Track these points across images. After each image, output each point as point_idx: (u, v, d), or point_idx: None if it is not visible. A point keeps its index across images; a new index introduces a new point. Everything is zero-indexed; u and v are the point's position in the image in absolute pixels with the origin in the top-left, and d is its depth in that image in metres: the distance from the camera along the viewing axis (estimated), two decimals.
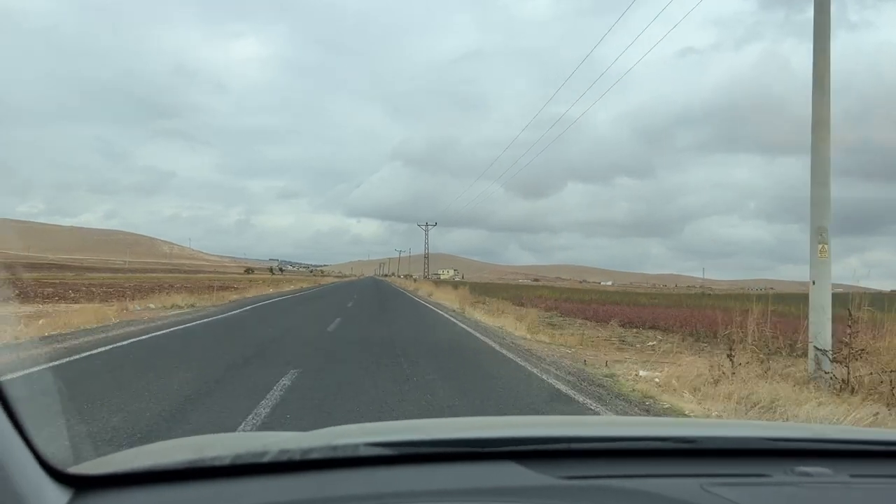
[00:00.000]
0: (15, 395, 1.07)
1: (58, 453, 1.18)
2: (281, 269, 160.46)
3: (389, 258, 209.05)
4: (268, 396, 6.78)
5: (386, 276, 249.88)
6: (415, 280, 77.18)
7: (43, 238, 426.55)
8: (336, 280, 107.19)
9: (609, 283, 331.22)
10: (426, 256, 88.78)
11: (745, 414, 6.78)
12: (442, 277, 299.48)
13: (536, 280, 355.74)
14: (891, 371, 7.29)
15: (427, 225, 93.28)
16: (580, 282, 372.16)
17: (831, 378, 7.85)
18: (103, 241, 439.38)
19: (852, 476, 1.40)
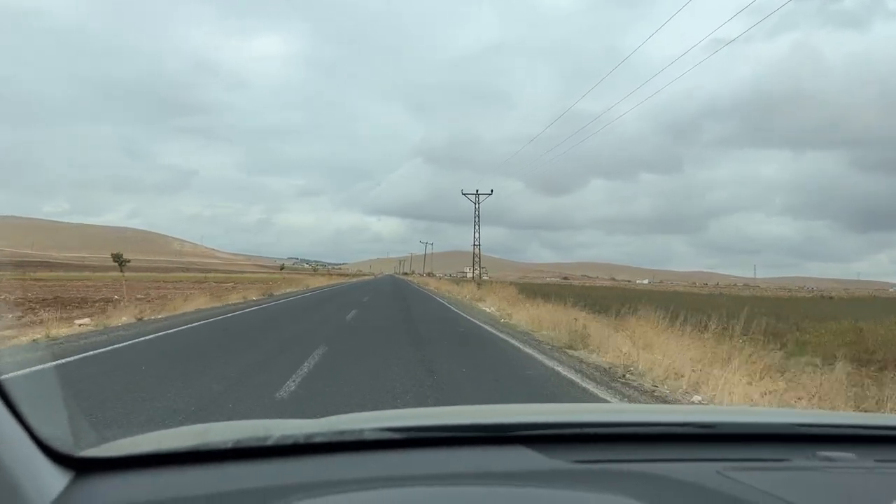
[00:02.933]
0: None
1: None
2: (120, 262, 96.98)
3: (412, 254, 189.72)
4: None
5: (406, 274, 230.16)
6: (478, 285, 46.16)
7: (52, 236, 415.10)
8: (336, 283, 66.92)
9: (645, 281, 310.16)
10: (476, 243, 57.28)
11: None
12: (468, 276, 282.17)
13: (566, 278, 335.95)
14: None
15: (477, 194, 57.22)
16: (610, 279, 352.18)
17: None
18: (113, 238, 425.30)
19: (877, 461, 1.36)
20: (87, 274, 77.04)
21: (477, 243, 59.78)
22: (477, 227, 59.13)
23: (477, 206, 58.79)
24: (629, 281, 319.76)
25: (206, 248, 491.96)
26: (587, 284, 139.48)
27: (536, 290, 40.21)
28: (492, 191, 58.62)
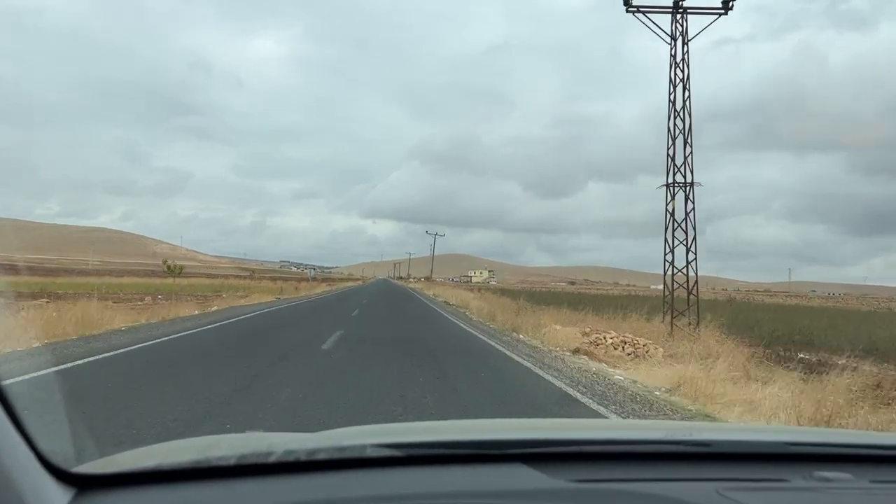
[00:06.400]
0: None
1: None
2: None
3: (410, 255, 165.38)
4: None
5: (401, 278, 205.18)
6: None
7: (23, 236, 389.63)
8: (286, 299, 35.92)
9: (659, 286, 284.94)
10: (684, 165, 18.84)
11: None
12: (473, 280, 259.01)
13: (572, 283, 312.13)
14: None
15: (679, 8, 18.30)
16: (613, 284, 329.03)
17: None
18: (86, 239, 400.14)
19: (873, 482, 1.37)
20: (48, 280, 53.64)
21: (689, 155, 19.15)
22: (685, 104, 19.06)
23: (680, 50, 18.85)
24: (633, 286, 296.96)
25: (187, 249, 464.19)
26: (621, 294, 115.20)
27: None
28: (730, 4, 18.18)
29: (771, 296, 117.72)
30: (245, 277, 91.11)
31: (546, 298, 38.56)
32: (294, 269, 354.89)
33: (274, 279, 79.00)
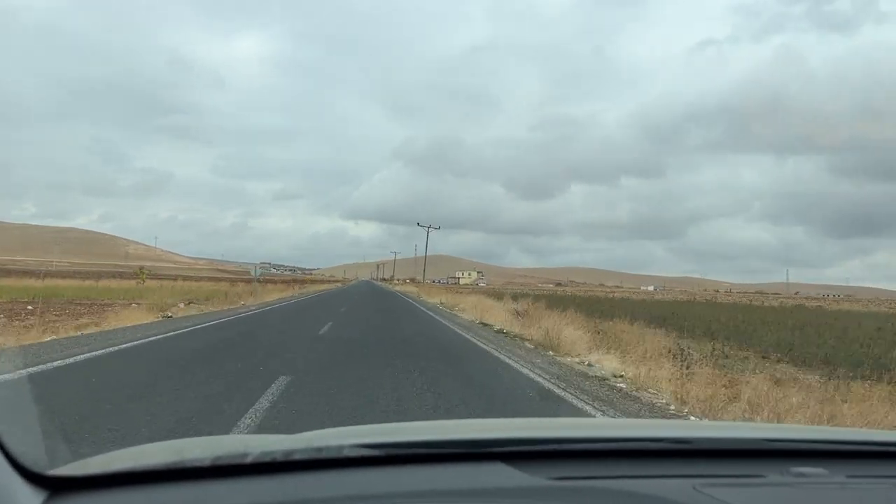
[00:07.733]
0: None
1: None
2: None
3: (395, 255, 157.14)
4: None
5: (385, 279, 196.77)
6: None
7: None
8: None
9: (650, 288, 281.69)
10: None
11: None
12: (461, 282, 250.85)
13: (559, 284, 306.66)
14: None
15: None
16: (599, 285, 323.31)
17: None
18: (55, 239, 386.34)
19: (849, 477, 1.39)
20: None
21: None
22: None
23: None
24: (620, 287, 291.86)
25: (162, 250, 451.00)
26: (619, 296, 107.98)
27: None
28: None
29: (809, 299, 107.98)
30: (147, 277, 79.34)
31: (613, 309, 26.87)
32: (274, 271, 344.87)
33: (233, 281, 69.43)
